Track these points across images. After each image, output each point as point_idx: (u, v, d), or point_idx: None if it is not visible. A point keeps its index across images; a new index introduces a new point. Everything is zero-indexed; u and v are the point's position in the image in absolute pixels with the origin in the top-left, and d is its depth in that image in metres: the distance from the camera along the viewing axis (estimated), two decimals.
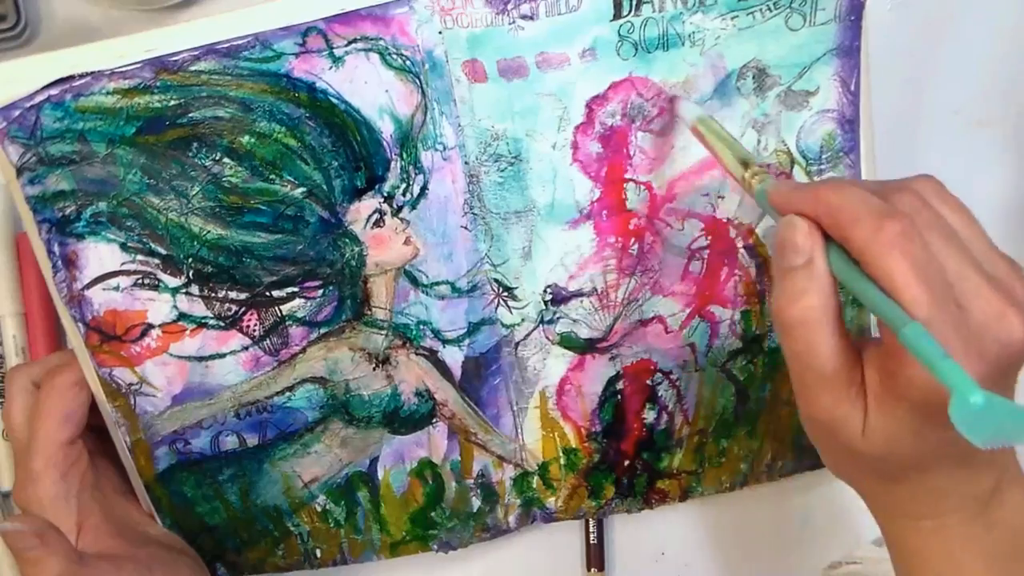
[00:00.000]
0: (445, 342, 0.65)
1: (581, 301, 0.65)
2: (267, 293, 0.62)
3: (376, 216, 0.62)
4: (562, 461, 0.69)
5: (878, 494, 0.55)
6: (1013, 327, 0.47)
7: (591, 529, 0.73)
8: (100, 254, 0.60)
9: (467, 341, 0.65)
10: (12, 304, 0.67)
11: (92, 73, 0.57)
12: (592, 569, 0.73)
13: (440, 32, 0.60)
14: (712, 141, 0.59)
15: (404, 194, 0.62)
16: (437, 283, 0.64)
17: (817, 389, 0.50)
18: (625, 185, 0.64)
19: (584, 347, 0.67)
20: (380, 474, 0.67)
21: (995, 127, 0.74)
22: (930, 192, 0.50)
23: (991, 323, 0.46)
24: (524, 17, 0.60)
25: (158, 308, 0.61)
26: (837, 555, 0.74)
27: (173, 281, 0.61)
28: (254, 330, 0.63)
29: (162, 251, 0.60)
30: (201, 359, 0.63)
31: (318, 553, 0.69)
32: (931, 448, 0.50)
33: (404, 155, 0.61)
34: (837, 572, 0.73)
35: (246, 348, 0.63)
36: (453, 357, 0.65)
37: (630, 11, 0.60)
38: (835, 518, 0.75)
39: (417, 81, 0.60)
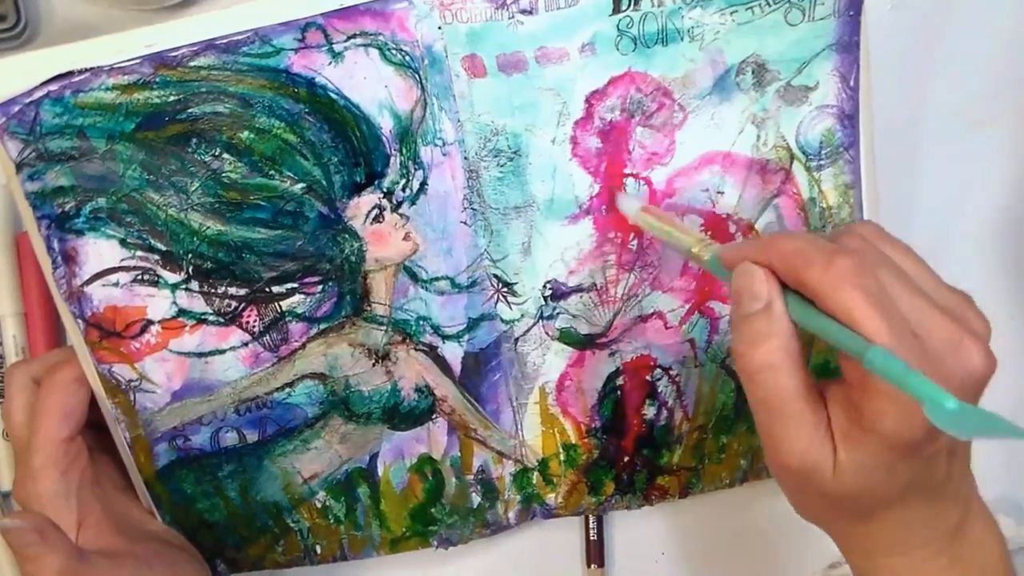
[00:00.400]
0: (445, 338, 0.65)
1: (581, 297, 0.65)
2: (267, 289, 0.62)
3: (375, 212, 0.62)
4: (562, 457, 0.69)
5: (848, 534, 0.55)
6: (972, 354, 0.47)
7: (591, 525, 0.73)
8: (100, 250, 0.60)
9: (467, 337, 0.65)
10: (12, 304, 0.67)
11: (91, 69, 0.57)
12: (592, 565, 0.73)
13: (439, 27, 0.60)
14: (657, 227, 0.60)
15: (403, 190, 0.62)
16: (437, 279, 0.64)
17: (785, 435, 0.49)
18: (624, 180, 0.64)
19: (584, 343, 0.67)
20: (380, 470, 0.67)
21: (995, 127, 0.74)
22: (873, 235, 0.51)
23: (950, 352, 0.47)
24: (523, 12, 0.60)
25: (158, 304, 0.61)
26: (837, 555, 0.74)
27: (173, 277, 0.61)
28: (254, 326, 0.63)
29: (162, 247, 0.60)
30: (201, 355, 0.63)
31: (318, 549, 0.69)
32: (902, 482, 0.50)
33: (403, 151, 0.61)
34: (837, 572, 0.73)
35: (246, 344, 0.63)
36: (453, 353, 0.65)
37: (629, 6, 0.60)
38: None
39: (416, 76, 0.60)
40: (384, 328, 0.64)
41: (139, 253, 0.60)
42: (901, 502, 0.51)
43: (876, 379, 0.46)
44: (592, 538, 0.73)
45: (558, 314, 0.66)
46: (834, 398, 0.50)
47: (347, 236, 0.62)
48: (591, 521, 0.73)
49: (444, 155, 0.62)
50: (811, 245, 0.48)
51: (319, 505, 0.67)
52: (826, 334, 0.47)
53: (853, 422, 0.48)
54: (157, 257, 0.61)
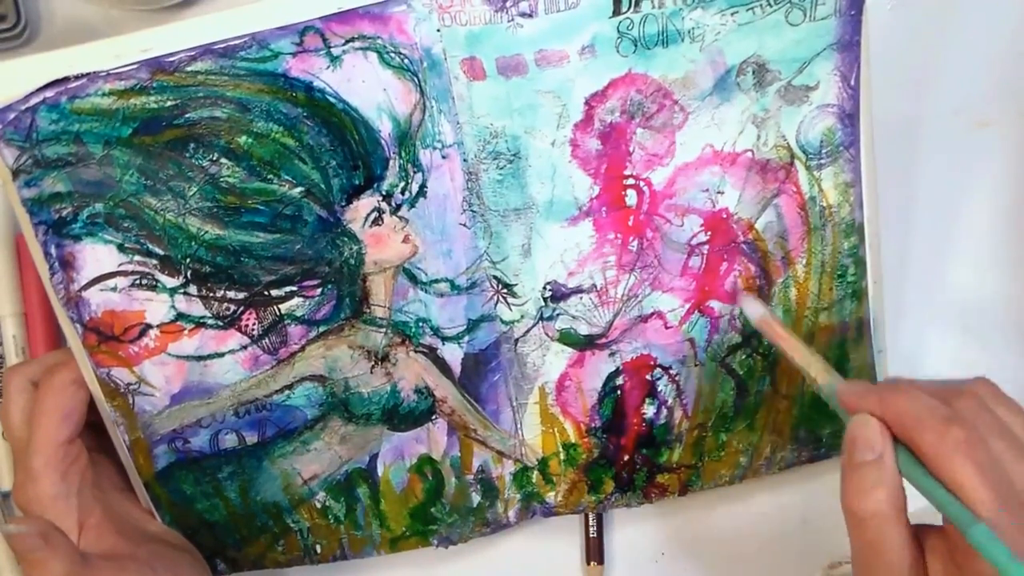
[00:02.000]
0: (444, 339, 0.65)
1: (580, 298, 0.65)
2: (265, 292, 0.62)
3: (375, 215, 0.62)
4: (562, 456, 0.69)
5: None
6: None
7: (591, 523, 0.73)
8: (97, 255, 0.60)
9: (466, 338, 0.65)
10: (12, 304, 0.68)
11: (88, 74, 0.57)
12: (592, 563, 0.73)
13: (438, 30, 0.59)
14: (780, 336, 0.61)
15: (403, 192, 0.61)
16: (436, 280, 0.63)
17: None
18: (624, 181, 0.63)
19: (584, 343, 0.66)
20: (380, 470, 0.67)
21: (995, 127, 0.74)
22: (989, 396, 0.53)
23: None
24: (523, 15, 0.59)
25: (156, 308, 0.61)
26: (837, 555, 0.74)
27: (171, 281, 0.61)
28: (253, 329, 0.62)
29: (160, 251, 0.60)
30: (200, 358, 0.62)
31: (318, 549, 0.69)
32: None
33: (402, 153, 0.61)
34: (837, 572, 0.73)
35: (245, 347, 0.63)
36: (452, 354, 0.65)
37: (629, 7, 0.60)
38: (835, 517, 0.74)
39: (415, 79, 0.60)
40: (383, 330, 0.64)
41: (137, 258, 0.60)
42: None
43: None
44: (592, 535, 0.73)
45: (558, 315, 0.66)
46: (933, 548, 0.52)
47: (346, 239, 0.62)
48: (591, 519, 0.73)
49: (443, 158, 0.61)
50: (926, 408, 0.51)
51: (319, 505, 0.67)
52: (933, 497, 0.49)
53: None
54: (155, 261, 0.60)
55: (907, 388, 0.53)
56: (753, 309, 0.64)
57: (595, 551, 0.73)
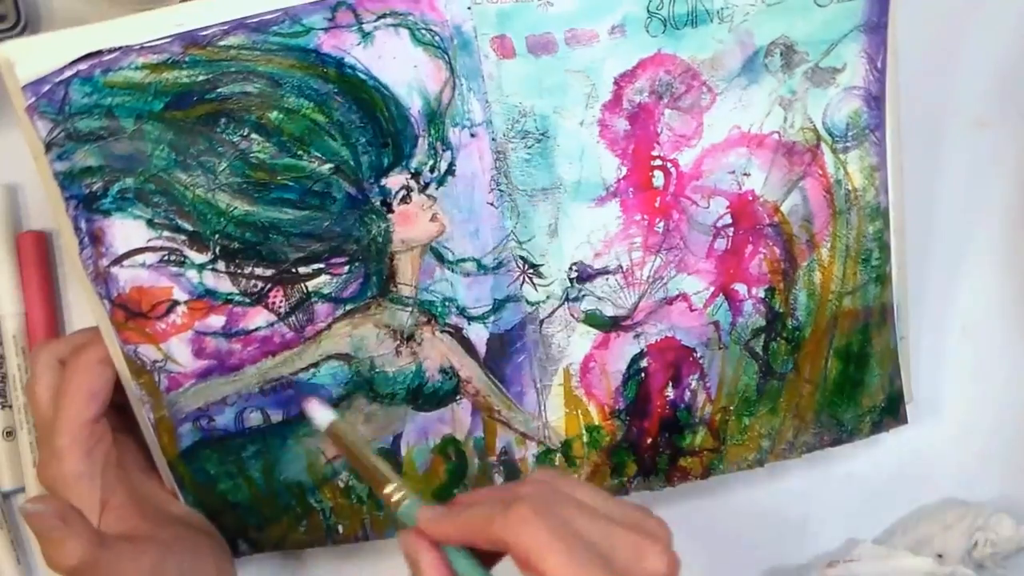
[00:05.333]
0: (470, 319, 0.65)
1: (606, 279, 0.65)
2: (293, 269, 0.62)
3: (403, 192, 0.62)
4: (585, 439, 0.69)
5: None
6: (652, 557, 0.52)
7: None
8: (126, 230, 0.60)
9: (492, 318, 0.65)
10: (12, 304, 0.68)
11: (121, 48, 0.57)
12: None
13: (469, 7, 0.59)
14: (353, 448, 0.58)
15: (431, 171, 0.61)
16: (463, 260, 0.63)
17: None
18: (652, 163, 0.64)
19: (609, 325, 0.66)
20: (403, 451, 0.67)
21: (995, 127, 0.74)
22: (547, 476, 0.55)
23: (635, 561, 0.51)
24: None
25: (184, 285, 0.61)
26: (837, 555, 0.74)
27: (199, 258, 0.61)
28: (279, 307, 0.62)
29: (188, 227, 0.60)
30: (226, 336, 0.62)
31: (340, 529, 0.69)
32: None
33: (432, 132, 0.61)
34: (837, 571, 0.73)
35: (271, 325, 0.63)
36: (478, 334, 0.65)
37: None
38: (835, 516, 0.76)
39: (445, 57, 0.60)
40: (409, 309, 0.64)
41: (166, 233, 0.60)
42: None
43: None
44: None
45: (583, 296, 0.66)
46: None
47: (374, 217, 0.62)
48: None
49: (472, 136, 0.61)
50: (488, 503, 0.52)
51: (342, 485, 0.67)
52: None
53: None
54: (184, 237, 0.60)
55: (472, 493, 0.55)
56: (321, 415, 0.59)
57: None
